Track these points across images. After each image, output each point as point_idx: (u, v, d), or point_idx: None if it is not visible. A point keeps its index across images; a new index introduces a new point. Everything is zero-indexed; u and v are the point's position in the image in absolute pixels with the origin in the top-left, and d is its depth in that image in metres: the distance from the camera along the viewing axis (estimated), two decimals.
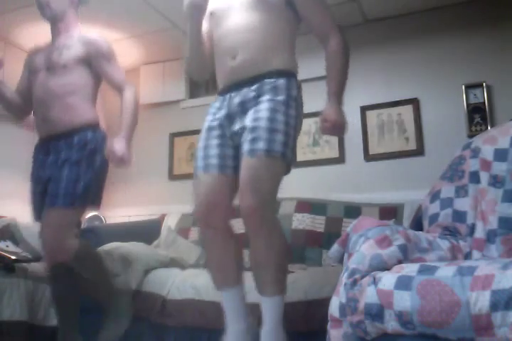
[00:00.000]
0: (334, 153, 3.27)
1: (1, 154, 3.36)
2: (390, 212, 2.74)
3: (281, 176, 1.69)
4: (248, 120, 1.69)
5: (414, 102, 3.13)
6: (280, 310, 1.66)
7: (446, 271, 1.22)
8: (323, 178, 3.25)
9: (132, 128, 2.12)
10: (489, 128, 2.83)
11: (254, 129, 1.65)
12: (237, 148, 1.75)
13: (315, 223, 2.83)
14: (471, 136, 2.76)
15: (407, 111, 3.14)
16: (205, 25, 1.94)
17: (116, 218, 3.67)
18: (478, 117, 2.93)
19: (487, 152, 1.76)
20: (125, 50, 3.73)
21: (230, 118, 1.77)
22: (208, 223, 1.73)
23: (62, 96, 2.07)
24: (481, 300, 1.11)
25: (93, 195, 2.11)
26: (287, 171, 1.73)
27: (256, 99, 1.71)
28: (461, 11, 3.12)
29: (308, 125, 3.29)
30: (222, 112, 1.78)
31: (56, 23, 2.17)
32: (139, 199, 3.80)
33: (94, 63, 2.12)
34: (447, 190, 1.79)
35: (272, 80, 1.72)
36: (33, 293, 2.51)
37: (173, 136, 3.84)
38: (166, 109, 3.92)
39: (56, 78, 2.09)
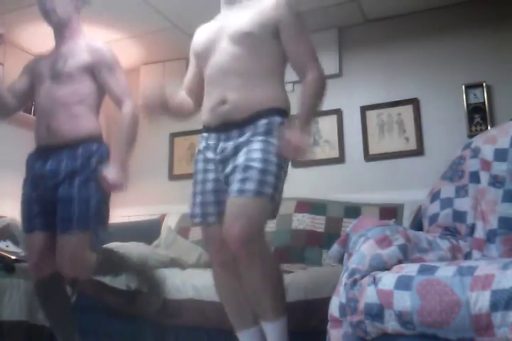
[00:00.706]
0: (334, 153, 3.27)
1: (0, 154, 3.35)
2: (390, 212, 2.74)
3: (267, 216, 1.67)
4: (240, 159, 1.65)
5: (414, 102, 3.13)
6: (284, 331, 1.64)
7: (446, 271, 1.22)
8: (323, 178, 3.25)
9: (129, 148, 2.08)
10: (489, 128, 2.83)
11: (245, 169, 1.61)
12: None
13: (315, 223, 2.83)
14: (471, 136, 2.76)
15: (407, 111, 3.14)
16: (191, 64, 1.93)
17: (116, 218, 3.67)
18: (478, 117, 2.93)
19: (487, 152, 1.76)
20: (125, 50, 3.73)
21: (223, 162, 1.72)
22: (222, 260, 1.75)
23: (67, 106, 2.02)
24: (481, 300, 1.11)
25: (105, 214, 2.09)
26: (273, 215, 1.72)
27: (249, 139, 1.68)
28: (461, 11, 3.12)
29: None
30: (217, 156, 1.73)
31: (61, 28, 2.12)
32: (139, 199, 3.80)
33: (97, 72, 2.07)
34: (447, 190, 1.79)
35: (265, 122, 1.69)
36: (33, 293, 2.51)
37: (173, 136, 3.84)
38: None
39: (61, 87, 2.04)
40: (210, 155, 1.76)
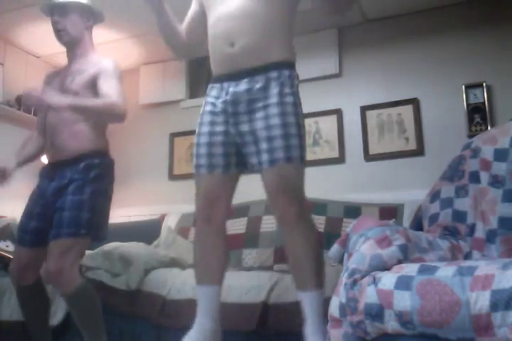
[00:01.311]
0: (334, 153, 3.27)
1: (1, 154, 3.35)
2: (390, 212, 2.74)
3: (303, 176, 1.72)
4: (260, 127, 1.66)
5: (414, 102, 3.13)
6: (321, 304, 1.66)
7: (446, 271, 1.22)
8: (323, 178, 3.25)
9: (81, 106, 1.95)
10: (489, 128, 2.84)
11: (269, 139, 1.64)
12: (238, 146, 1.74)
13: (315, 223, 2.83)
14: (471, 136, 2.76)
15: (407, 111, 3.14)
16: (193, 5, 1.95)
17: (116, 218, 3.67)
18: (478, 117, 2.93)
19: (487, 152, 1.76)
20: (125, 50, 3.73)
21: (235, 115, 1.71)
22: (208, 216, 1.77)
23: (71, 123, 2.05)
24: (481, 300, 1.11)
25: (99, 223, 2.05)
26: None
27: (264, 100, 1.67)
28: (461, 11, 3.12)
29: (308, 125, 3.28)
30: (228, 107, 1.72)
31: (73, 47, 2.16)
32: (139, 199, 3.80)
33: (96, 82, 2.06)
34: (447, 190, 1.79)
35: (276, 74, 1.68)
36: None
37: (173, 136, 3.84)
38: (166, 109, 3.92)
39: None
40: (219, 105, 1.74)
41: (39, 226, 2.07)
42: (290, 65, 1.74)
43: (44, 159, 3.33)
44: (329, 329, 1.37)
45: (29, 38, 3.50)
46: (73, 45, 2.16)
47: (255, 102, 1.68)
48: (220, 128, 1.74)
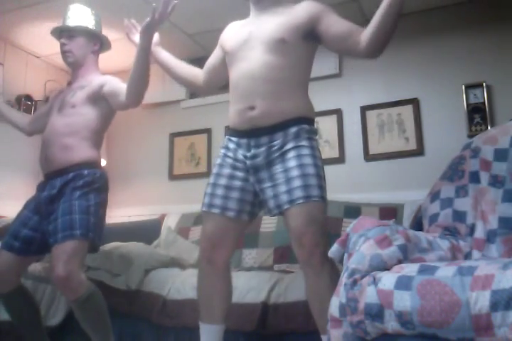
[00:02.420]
0: (334, 153, 3.27)
1: (1, 154, 3.36)
2: (390, 212, 2.74)
3: (324, 217, 1.72)
4: (278, 171, 1.69)
5: (414, 102, 3.13)
6: None
7: (446, 271, 1.22)
8: None
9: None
10: (489, 128, 2.83)
11: (287, 181, 1.66)
12: (256, 195, 1.77)
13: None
14: (471, 136, 2.76)
15: (407, 111, 3.14)
16: (216, 51, 2.00)
17: (116, 218, 3.67)
18: (478, 117, 2.93)
19: (487, 152, 1.76)
20: (125, 50, 3.73)
21: (254, 167, 1.74)
22: (211, 259, 1.79)
23: (63, 136, 2.11)
24: (481, 300, 1.11)
25: (98, 230, 2.06)
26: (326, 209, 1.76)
27: (281, 149, 1.71)
28: (461, 11, 3.12)
29: None
30: (248, 161, 1.75)
31: (77, 69, 2.27)
32: (139, 199, 3.80)
33: (100, 93, 2.16)
34: (447, 190, 1.79)
35: (294, 129, 1.72)
36: (32, 293, 2.51)
37: (173, 136, 3.84)
38: (166, 109, 3.92)
39: (63, 118, 2.15)
40: (240, 156, 1.78)
41: (31, 235, 2.09)
42: (308, 121, 1.78)
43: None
44: (329, 329, 1.37)
45: (29, 38, 3.50)
46: (77, 67, 2.26)
47: (273, 153, 1.72)
48: (240, 174, 1.77)
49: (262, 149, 1.73)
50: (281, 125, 1.73)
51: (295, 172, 1.66)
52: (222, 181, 1.78)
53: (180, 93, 3.84)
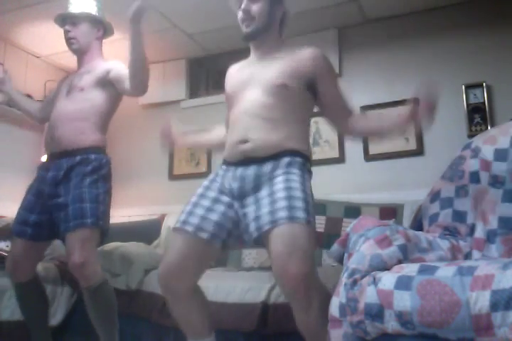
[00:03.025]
0: (334, 153, 3.27)
1: (1, 154, 3.36)
2: (390, 212, 2.74)
3: (310, 242, 1.53)
4: (264, 194, 1.60)
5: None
6: None
7: (446, 271, 1.22)
8: (323, 178, 3.24)
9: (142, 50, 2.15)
10: (489, 128, 2.83)
11: (272, 202, 1.56)
12: (236, 224, 1.66)
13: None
14: (471, 136, 2.76)
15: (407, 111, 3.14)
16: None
17: (117, 218, 3.67)
18: (478, 117, 2.93)
19: (487, 152, 1.76)
20: (125, 50, 3.73)
21: (241, 192, 1.66)
22: (169, 288, 1.68)
23: (72, 120, 2.13)
24: (481, 300, 1.11)
25: (107, 217, 2.11)
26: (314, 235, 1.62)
27: (271, 173, 1.64)
28: (461, 11, 3.12)
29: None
30: (234, 184, 1.67)
31: (82, 55, 2.28)
32: (139, 199, 3.80)
33: (109, 77, 2.18)
34: (447, 190, 1.79)
35: (287, 159, 1.67)
36: None
37: None
38: (166, 109, 3.92)
39: (72, 102, 2.17)
40: (227, 183, 1.70)
41: (40, 219, 2.12)
42: (303, 155, 1.71)
43: (45, 159, 3.34)
44: (329, 329, 1.37)
45: (29, 38, 3.50)
46: (82, 53, 2.27)
47: (261, 178, 1.65)
48: (225, 199, 1.68)
49: (250, 175, 1.66)
50: (272, 156, 1.67)
51: (281, 194, 1.56)
52: (206, 202, 1.69)
53: (180, 93, 3.84)
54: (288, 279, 1.45)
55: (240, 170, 1.69)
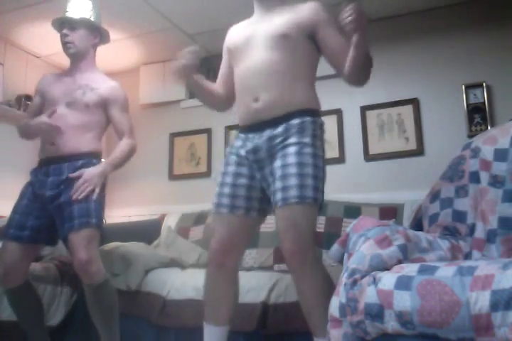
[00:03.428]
0: (334, 153, 3.27)
1: (1, 154, 3.36)
2: (390, 212, 2.74)
3: (315, 219, 1.71)
4: (277, 166, 1.68)
5: (414, 102, 3.13)
6: None
7: (446, 271, 1.22)
8: None
9: (114, 165, 2.22)
10: (489, 128, 2.83)
11: (284, 177, 1.64)
12: (263, 191, 1.77)
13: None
14: (471, 136, 2.76)
15: (407, 111, 3.14)
16: (224, 59, 1.97)
17: (117, 218, 3.67)
18: (478, 117, 2.93)
19: (487, 152, 1.76)
20: (125, 50, 3.73)
21: (258, 162, 1.75)
22: (221, 262, 1.77)
23: (76, 130, 2.18)
24: (481, 300, 1.11)
25: (102, 220, 2.15)
26: (319, 212, 1.74)
27: (283, 142, 1.70)
28: (461, 11, 3.12)
29: None
30: (250, 155, 1.76)
31: (77, 60, 2.29)
32: (139, 199, 3.80)
33: (109, 107, 2.26)
34: (447, 190, 1.79)
35: (297, 121, 1.72)
36: None
37: (173, 136, 3.84)
38: (166, 109, 3.92)
39: (77, 114, 2.20)
40: (243, 153, 1.78)
41: (38, 223, 2.12)
42: (313, 113, 1.78)
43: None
44: (329, 329, 1.37)
45: (29, 38, 3.50)
46: (78, 58, 2.28)
47: (275, 147, 1.71)
48: (245, 171, 1.77)
49: (263, 140, 1.73)
50: (283, 117, 1.72)
51: (293, 170, 1.64)
52: (228, 179, 1.78)
53: (180, 93, 3.84)
54: (285, 251, 1.63)
55: (255, 140, 1.75)
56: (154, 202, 3.74)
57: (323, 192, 1.74)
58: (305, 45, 1.79)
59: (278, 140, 1.71)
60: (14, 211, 2.17)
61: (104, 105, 2.25)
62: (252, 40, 1.81)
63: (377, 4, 3.16)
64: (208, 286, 1.82)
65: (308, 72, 1.82)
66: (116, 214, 3.72)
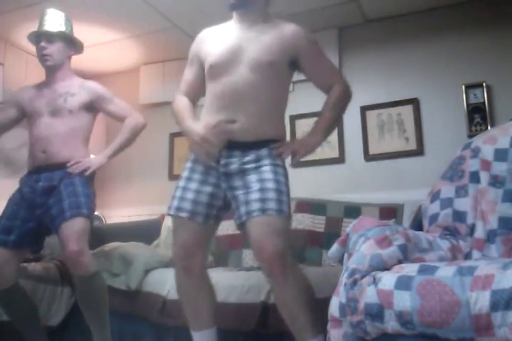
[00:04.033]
0: (334, 153, 3.27)
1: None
2: (390, 212, 2.74)
3: (288, 233, 1.73)
4: (253, 180, 1.71)
5: (414, 102, 3.13)
6: None
7: (446, 271, 1.22)
8: (323, 178, 3.25)
9: (118, 149, 2.35)
10: (489, 128, 2.83)
11: (262, 190, 1.68)
12: (225, 200, 1.79)
13: (315, 223, 2.83)
14: (471, 136, 2.76)
15: (407, 111, 3.14)
16: (193, 67, 1.95)
17: (117, 218, 3.67)
18: (478, 117, 2.93)
19: (487, 152, 1.76)
20: (125, 50, 3.73)
21: (227, 174, 1.77)
22: (187, 266, 1.80)
23: (63, 137, 2.24)
24: (481, 300, 1.11)
25: (92, 213, 2.22)
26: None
27: (256, 162, 1.74)
28: (461, 11, 3.12)
29: (308, 125, 3.27)
30: (220, 168, 1.77)
31: (53, 72, 2.34)
32: (139, 199, 3.80)
33: (98, 107, 2.36)
34: (447, 190, 1.79)
35: (265, 150, 1.76)
36: (32, 293, 2.51)
37: (173, 136, 3.83)
38: (166, 109, 3.89)
39: (62, 121, 2.26)
40: (211, 165, 1.80)
41: (25, 227, 2.16)
42: (278, 143, 1.82)
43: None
44: (329, 329, 1.37)
45: None
46: (54, 70, 2.33)
47: (247, 164, 1.75)
48: (211, 180, 1.79)
49: (235, 160, 1.76)
50: (254, 144, 1.76)
51: (271, 185, 1.69)
52: (193, 186, 1.80)
53: None
54: (266, 255, 1.62)
55: (223, 154, 1.77)
56: (154, 202, 3.73)
57: (290, 210, 1.78)
58: (285, 73, 1.84)
59: (251, 160, 1.75)
60: (1, 216, 2.22)
61: (87, 108, 2.32)
62: (237, 57, 1.78)
63: (377, 4, 3.16)
64: (181, 293, 1.86)
65: (283, 99, 1.88)
66: (116, 214, 3.72)
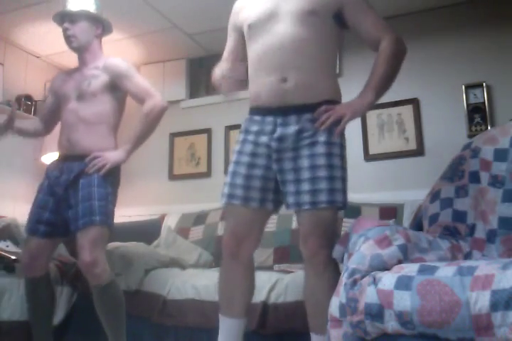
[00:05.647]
0: None
1: (1, 154, 3.35)
2: (390, 212, 2.74)
3: (335, 220, 1.68)
4: (305, 166, 1.60)
5: (414, 102, 3.13)
6: None
7: (446, 271, 1.22)
8: None
9: (140, 141, 2.25)
10: (489, 128, 2.83)
11: (313, 179, 1.58)
12: (278, 183, 1.67)
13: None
14: (471, 136, 2.76)
15: (407, 111, 3.14)
16: (233, 36, 1.86)
17: (117, 218, 3.66)
18: (478, 117, 2.93)
19: (487, 152, 1.76)
20: (125, 50, 3.73)
21: (279, 152, 1.64)
22: (235, 254, 1.72)
23: (89, 124, 2.16)
24: (481, 300, 1.11)
25: (110, 216, 2.16)
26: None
27: (312, 138, 1.61)
28: (460, 11, 3.12)
29: None
30: (272, 142, 1.65)
31: (82, 53, 2.26)
32: (138, 200, 3.80)
33: (119, 85, 2.22)
34: (447, 190, 1.79)
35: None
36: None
37: (173, 136, 3.84)
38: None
39: (85, 107, 2.18)
40: (263, 139, 1.66)
41: (52, 218, 2.15)
42: (335, 104, 1.69)
43: (45, 159, 3.33)
44: (329, 329, 1.37)
45: (29, 38, 3.50)
46: (82, 51, 2.26)
47: (302, 140, 1.62)
48: (261, 162, 1.66)
49: (291, 132, 1.62)
50: (312, 105, 1.63)
51: (323, 173, 1.58)
52: (242, 170, 1.67)
53: (180, 93, 3.84)
54: (311, 246, 1.60)
55: (278, 123, 1.64)
56: (154, 202, 3.74)
57: (347, 193, 1.68)
58: (330, 23, 1.69)
59: (307, 134, 1.62)
60: (33, 204, 2.20)
61: (111, 89, 2.20)
62: (276, 14, 1.68)
63: (377, 4, 3.14)
64: (222, 278, 1.78)
65: (332, 57, 1.74)
66: (116, 214, 3.70)
